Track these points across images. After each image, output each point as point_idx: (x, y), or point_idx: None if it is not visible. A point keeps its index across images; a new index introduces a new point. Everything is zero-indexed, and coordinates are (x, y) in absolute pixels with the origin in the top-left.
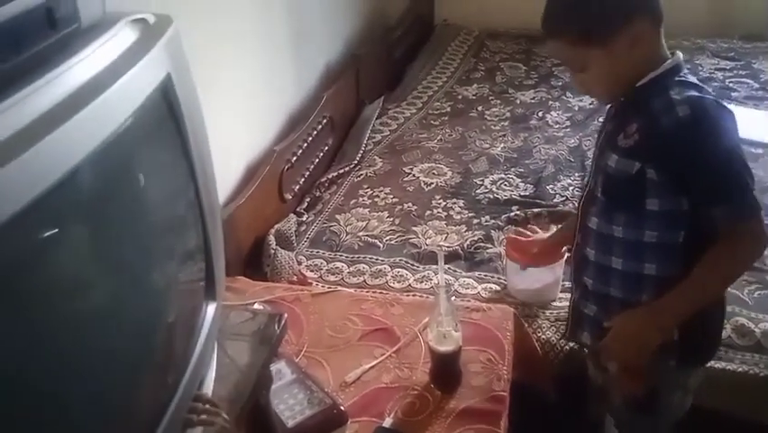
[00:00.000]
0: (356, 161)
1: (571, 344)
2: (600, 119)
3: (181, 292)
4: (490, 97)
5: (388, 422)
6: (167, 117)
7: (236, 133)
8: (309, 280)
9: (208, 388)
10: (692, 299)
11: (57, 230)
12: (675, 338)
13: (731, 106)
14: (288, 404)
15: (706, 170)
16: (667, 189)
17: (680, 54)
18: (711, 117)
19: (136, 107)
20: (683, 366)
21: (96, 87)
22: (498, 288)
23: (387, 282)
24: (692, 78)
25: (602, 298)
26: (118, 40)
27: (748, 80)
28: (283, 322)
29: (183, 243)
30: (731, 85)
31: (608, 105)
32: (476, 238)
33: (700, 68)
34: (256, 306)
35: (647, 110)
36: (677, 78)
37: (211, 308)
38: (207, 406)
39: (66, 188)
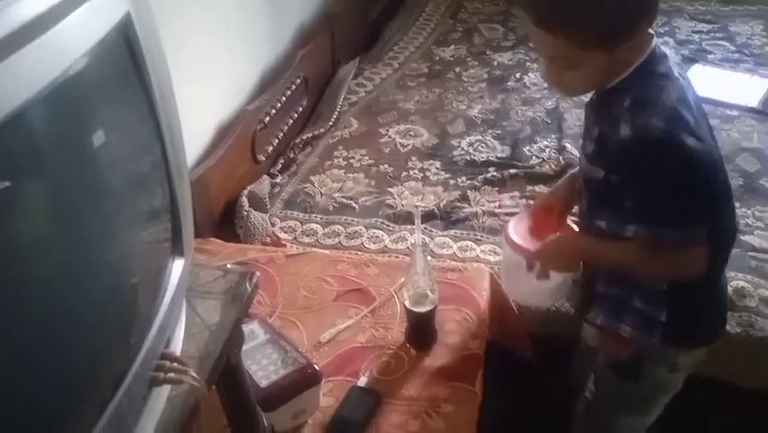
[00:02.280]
0: (331, 123)
1: (548, 305)
2: None
3: (144, 249)
4: (468, 59)
5: (363, 381)
6: (127, 61)
7: (208, 92)
8: (283, 242)
9: (177, 346)
10: (606, 261)
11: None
12: (662, 319)
13: (708, 68)
14: (262, 364)
15: (656, 196)
16: (638, 193)
17: (653, 42)
18: (656, 149)
19: (91, 46)
20: (668, 345)
21: (42, 21)
22: (475, 245)
23: (362, 243)
24: (661, 68)
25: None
26: None
27: (724, 43)
28: (255, 280)
29: (148, 198)
30: (707, 47)
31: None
32: (452, 198)
33: (678, 30)
34: (228, 267)
35: (607, 116)
36: (644, 75)
37: (178, 265)
38: (175, 364)
39: (11, 131)
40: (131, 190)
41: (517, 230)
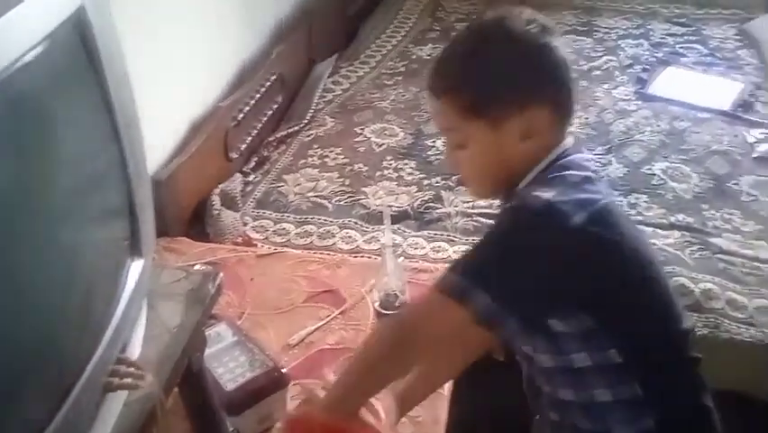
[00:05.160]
0: (306, 121)
1: None
2: None
3: (100, 250)
4: None
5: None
6: (80, 55)
7: (181, 87)
8: (254, 242)
9: (135, 350)
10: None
11: None
12: None
13: (681, 70)
14: (229, 367)
15: (477, 246)
16: (552, 307)
17: (569, 140)
18: (528, 220)
19: (40, 38)
20: None
21: None
22: (448, 246)
23: (335, 244)
24: (573, 178)
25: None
26: None
27: (698, 46)
28: (218, 281)
29: (102, 197)
30: (681, 50)
31: None
32: (426, 198)
33: (652, 32)
34: (197, 267)
35: None
36: (551, 175)
37: (136, 266)
38: (131, 369)
39: None
40: (83, 189)
41: None
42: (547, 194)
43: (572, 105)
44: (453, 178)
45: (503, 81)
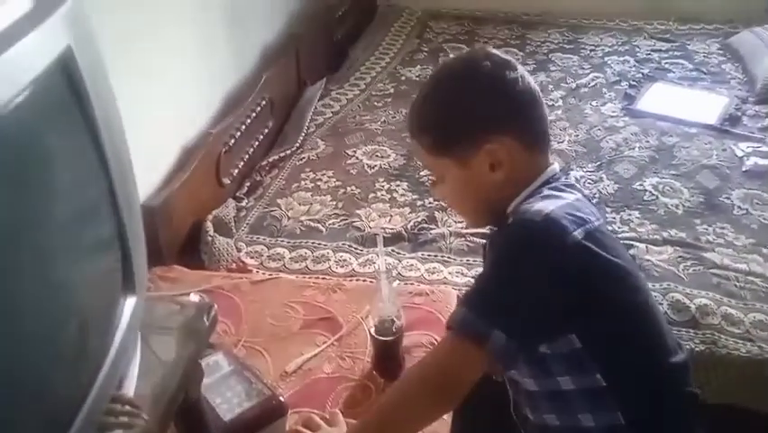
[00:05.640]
0: (298, 144)
1: None
2: None
3: (92, 288)
4: None
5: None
6: (67, 94)
7: (170, 115)
8: (249, 268)
9: (130, 387)
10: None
11: None
12: None
13: (668, 86)
14: (226, 397)
15: (483, 272)
16: (547, 328)
17: (554, 166)
18: (526, 233)
19: (26, 83)
20: None
21: None
22: (443, 267)
23: (330, 267)
24: (559, 188)
25: None
26: (7, 8)
27: (683, 61)
28: (213, 313)
29: (93, 234)
30: (667, 66)
31: None
32: (420, 219)
33: (637, 49)
34: (191, 296)
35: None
36: (543, 194)
37: (129, 303)
38: (127, 407)
39: None
40: (75, 225)
41: None
42: (544, 207)
43: (540, 127)
44: None
45: (458, 120)
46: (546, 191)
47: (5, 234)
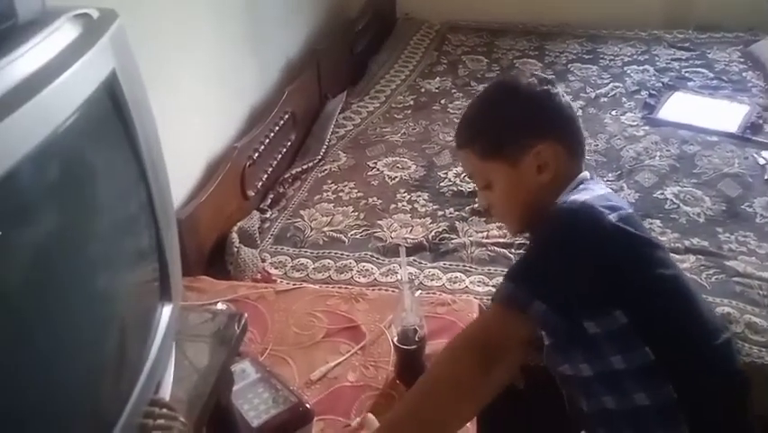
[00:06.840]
0: (320, 156)
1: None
2: None
3: (133, 296)
4: (453, 90)
5: (355, 422)
6: (112, 114)
7: (196, 130)
8: (274, 278)
9: (166, 391)
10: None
11: None
12: None
13: (688, 95)
14: (253, 404)
15: (527, 252)
16: (591, 304)
17: (585, 173)
18: (568, 217)
19: (78, 105)
20: None
21: (33, 84)
22: (464, 276)
23: (352, 277)
24: (590, 186)
25: None
26: (59, 35)
27: (703, 70)
28: (243, 322)
29: (134, 245)
30: (687, 75)
31: None
32: (441, 229)
33: (657, 58)
34: (219, 305)
35: None
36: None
37: (167, 311)
38: (164, 410)
39: (6, 188)
40: (119, 239)
41: None
42: (579, 197)
43: (578, 138)
44: (467, 208)
45: (509, 125)
46: (579, 188)
47: (59, 248)
